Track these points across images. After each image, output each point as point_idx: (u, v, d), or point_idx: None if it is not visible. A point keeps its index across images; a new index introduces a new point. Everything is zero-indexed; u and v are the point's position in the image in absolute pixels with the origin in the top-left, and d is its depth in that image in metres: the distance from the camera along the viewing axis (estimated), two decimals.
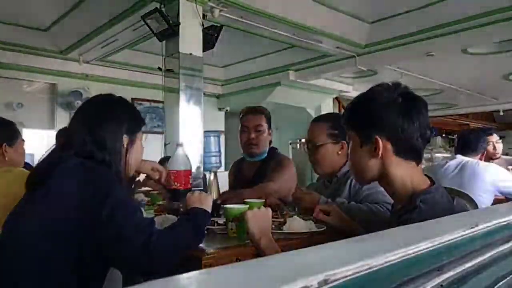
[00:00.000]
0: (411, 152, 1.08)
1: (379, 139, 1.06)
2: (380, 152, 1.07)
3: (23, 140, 1.88)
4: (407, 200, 1.07)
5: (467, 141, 2.75)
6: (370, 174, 1.12)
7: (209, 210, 1.28)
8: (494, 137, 3.20)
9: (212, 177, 1.72)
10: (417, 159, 1.10)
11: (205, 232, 1.22)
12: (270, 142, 2.42)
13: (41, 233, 1.06)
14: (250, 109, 2.38)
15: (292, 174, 2.26)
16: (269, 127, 2.35)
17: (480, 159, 2.74)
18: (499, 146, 3.21)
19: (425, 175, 1.15)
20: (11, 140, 1.78)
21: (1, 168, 1.67)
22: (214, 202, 1.66)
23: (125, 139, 1.25)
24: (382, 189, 1.19)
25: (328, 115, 1.97)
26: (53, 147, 1.29)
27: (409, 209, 1.04)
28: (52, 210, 1.08)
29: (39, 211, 1.10)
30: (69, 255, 1.05)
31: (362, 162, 1.13)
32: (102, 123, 1.21)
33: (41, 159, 1.22)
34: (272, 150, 2.38)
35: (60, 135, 2.92)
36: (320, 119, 1.88)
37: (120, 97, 1.32)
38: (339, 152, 1.76)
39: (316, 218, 1.51)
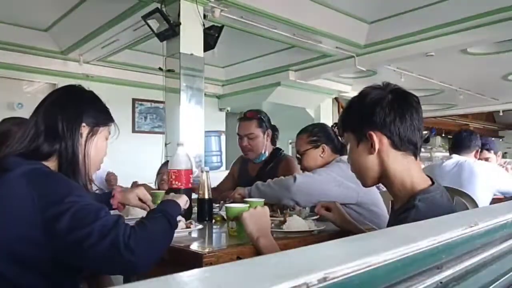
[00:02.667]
0: (408, 143, 1.09)
1: (373, 133, 1.08)
2: (376, 147, 1.08)
3: None
4: (407, 200, 1.08)
5: (461, 140, 2.79)
6: (371, 172, 1.12)
7: (181, 204, 1.23)
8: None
9: (204, 176, 1.72)
10: (415, 151, 1.11)
11: (176, 221, 1.15)
12: (275, 141, 2.43)
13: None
14: (242, 116, 2.42)
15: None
16: (267, 129, 2.34)
17: (475, 157, 2.77)
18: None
19: (428, 176, 1.15)
20: None
21: None
22: (203, 201, 1.68)
23: (84, 128, 1.15)
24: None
25: (307, 126, 2.17)
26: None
27: (408, 207, 1.04)
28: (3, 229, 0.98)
29: None
30: (34, 271, 0.98)
31: (361, 161, 1.13)
32: (57, 108, 1.13)
33: None
34: (276, 151, 2.40)
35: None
36: (301, 131, 2.15)
37: (88, 90, 1.25)
38: (322, 155, 2.01)
39: (318, 213, 1.55)
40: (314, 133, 2.05)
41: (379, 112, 1.08)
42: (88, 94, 1.24)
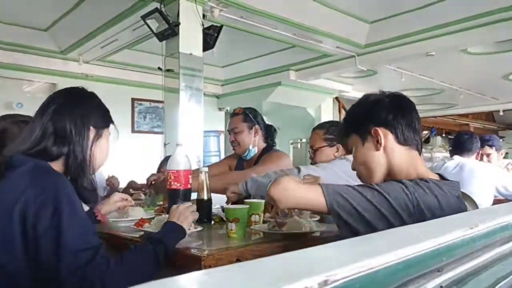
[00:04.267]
0: (411, 138, 1.13)
1: (378, 129, 1.12)
2: (382, 142, 1.11)
3: None
4: None
5: (462, 143, 2.81)
6: (378, 169, 1.14)
7: (186, 226, 1.23)
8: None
9: (202, 176, 1.71)
10: (418, 146, 1.15)
11: (170, 250, 1.14)
12: (273, 140, 2.42)
13: None
14: (232, 111, 2.45)
15: (279, 167, 2.25)
16: (254, 124, 2.33)
17: (476, 158, 2.78)
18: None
19: (437, 173, 1.17)
20: None
21: None
22: (201, 202, 1.67)
23: (92, 131, 1.18)
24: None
25: (325, 123, 2.18)
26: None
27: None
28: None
29: None
30: (21, 265, 0.98)
31: (368, 159, 1.15)
32: (65, 111, 1.14)
33: None
34: (266, 148, 2.40)
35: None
36: (318, 127, 2.13)
37: (91, 92, 1.26)
38: (335, 154, 2.00)
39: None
40: (331, 131, 2.02)
41: (381, 110, 1.13)
42: (92, 97, 1.26)
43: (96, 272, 0.94)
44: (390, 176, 1.14)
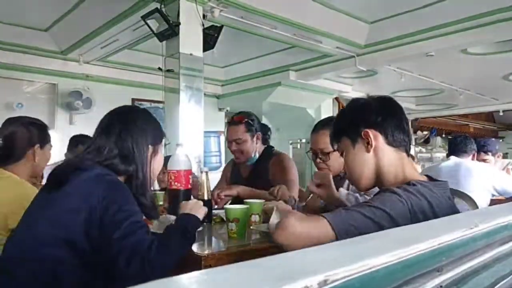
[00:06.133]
0: (400, 139, 1.15)
1: (368, 131, 1.13)
2: (373, 143, 1.13)
3: (51, 146, 1.85)
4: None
5: (457, 145, 2.90)
6: (367, 171, 1.16)
7: (200, 216, 1.28)
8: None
9: (203, 177, 1.71)
10: (406, 147, 1.17)
11: (195, 236, 1.22)
12: (267, 140, 2.42)
13: (50, 238, 1.07)
14: (230, 120, 2.39)
15: (295, 171, 2.30)
16: (256, 132, 2.31)
17: (472, 159, 2.82)
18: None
19: (426, 175, 1.18)
20: (43, 142, 1.77)
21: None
22: (202, 201, 1.67)
23: (150, 149, 1.30)
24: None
25: (328, 120, 1.89)
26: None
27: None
28: (63, 216, 1.09)
29: (49, 216, 1.10)
30: (79, 262, 1.06)
31: (358, 161, 1.17)
32: (129, 135, 1.25)
33: (65, 161, 1.27)
34: (267, 150, 2.39)
35: (76, 140, 2.92)
36: (323, 126, 1.86)
37: (144, 109, 1.37)
38: None
39: (310, 190, 1.55)
40: None
41: (371, 112, 1.15)
42: (147, 115, 1.37)
43: (150, 254, 1.04)
44: (379, 177, 1.16)
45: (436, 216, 1.01)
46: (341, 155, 1.24)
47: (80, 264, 1.07)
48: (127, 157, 1.22)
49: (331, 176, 1.54)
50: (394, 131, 1.14)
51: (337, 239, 0.99)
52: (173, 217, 1.43)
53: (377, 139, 1.13)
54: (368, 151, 1.14)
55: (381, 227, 0.98)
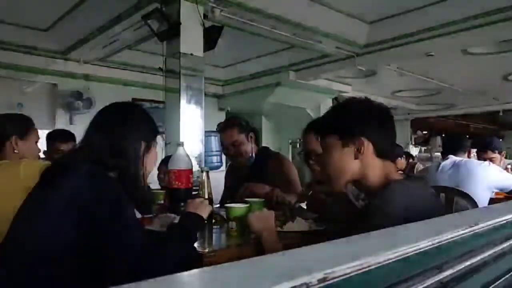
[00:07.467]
0: (389, 152, 1.16)
1: (364, 139, 1.11)
2: (364, 153, 1.12)
3: (38, 138, 1.88)
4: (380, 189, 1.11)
5: (451, 142, 2.93)
6: (349, 176, 1.15)
7: (204, 216, 1.28)
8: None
9: (204, 176, 1.71)
10: (393, 158, 1.20)
11: (196, 236, 1.22)
12: (258, 142, 2.43)
13: (43, 237, 1.06)
14: (222, 126, 2.40)
15: (295, 170, 2.33)
16: (249, 132, 2.33)
17: (468, 157, 2.84)
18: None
19: (405, 174, 1.20)
20: (22, 133, 1.79)
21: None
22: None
23: (143, 145, 1.27)
24: None
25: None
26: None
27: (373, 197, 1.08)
28: (55, 215, 1.08)
29: (41, 214, 1.10)
30: (72, 260, 1.05)
31: (342, 164, 1.15)
32: (121, 130, 1.23)
33: (57, 158, 1.24)
34: (263, 150, 2.40)
35: (51, 138, 2.89)
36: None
37: (137, 104, 1.35)
38: None
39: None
40: None
41: (371, 121, 1.14)
42: (140, 111, 1.34)
43: (143, 254, 1.04)
44: (359, 181, 1.15)
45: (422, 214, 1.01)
46: (323, 148, 1.20)
47: (73, 262, 1.06)
48: (119, 153, 1.20)
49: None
50: (387, 145, 1.15)
51: None
52: (172, 216, 1.44)
53: (368, 148, 1.12)
54: (356, 157, 1.12)
55: None
